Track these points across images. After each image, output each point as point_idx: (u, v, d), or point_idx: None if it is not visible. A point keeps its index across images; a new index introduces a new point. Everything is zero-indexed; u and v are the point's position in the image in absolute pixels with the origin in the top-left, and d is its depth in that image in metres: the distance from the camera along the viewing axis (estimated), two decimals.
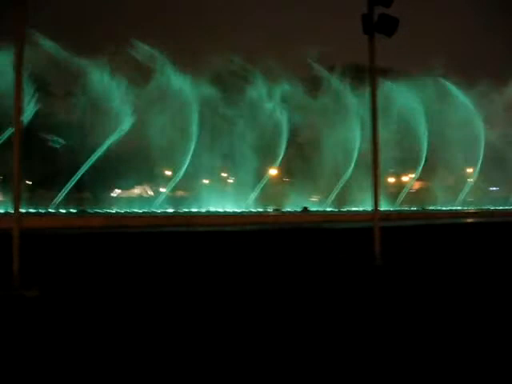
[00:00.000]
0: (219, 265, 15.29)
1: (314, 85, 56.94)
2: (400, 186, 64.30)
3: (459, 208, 61.64)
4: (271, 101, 55.80)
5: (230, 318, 8.85)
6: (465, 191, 64.75)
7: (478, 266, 15.06)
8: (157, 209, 50.36)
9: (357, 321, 8.66)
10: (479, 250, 19.63)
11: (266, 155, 55.15)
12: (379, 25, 14.64)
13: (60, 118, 48.96)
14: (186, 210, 50.77)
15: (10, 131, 36.14)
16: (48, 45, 45.05)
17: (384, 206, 43.64)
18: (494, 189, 67.29)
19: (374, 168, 15.72)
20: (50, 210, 46.13)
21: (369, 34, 14.99)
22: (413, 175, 65.07)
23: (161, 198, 52.44)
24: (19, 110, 11.81)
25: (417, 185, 67.62)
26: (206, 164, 52.20)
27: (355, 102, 55.65)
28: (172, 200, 53.63)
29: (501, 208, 61.65)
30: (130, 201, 53.69)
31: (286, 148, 55.76)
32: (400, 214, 49.77)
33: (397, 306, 9.90)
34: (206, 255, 17.97)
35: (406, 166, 62.44)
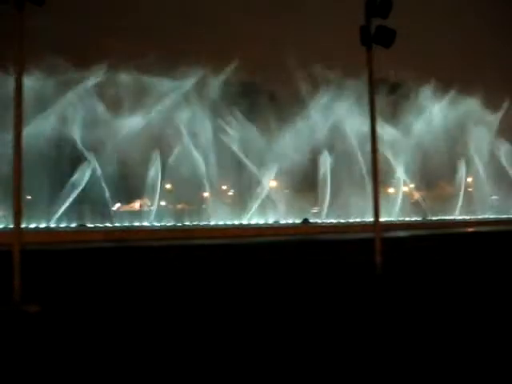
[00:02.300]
0: (221, 277, 15.26)
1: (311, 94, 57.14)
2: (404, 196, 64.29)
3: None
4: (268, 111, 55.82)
5: (234, 330, 8.83)
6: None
7: (478, 274, 15.05)
8: (157, 222, 50.36)
9: (355, 328, 8.64)
10: (480, 260, 19.60)
11: (265, 167, 55.18)
12: (377, 36, 14.71)
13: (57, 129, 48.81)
14: (187, 223, 50.76)
15: None
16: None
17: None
18: (494, 197, 67.29)
19: (374, 178, 15.72)
20: (50, 225, 46.13)
21: (367, 45, 15.04)
22: (412, 185, 65.15)
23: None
24: (20, 123, 11.78)
25: (416, 195, 67.62)
26: (206, 176, 52.29)
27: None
28: (172, 213, 53.66)
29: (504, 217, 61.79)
30: (131, 214, 53.68)
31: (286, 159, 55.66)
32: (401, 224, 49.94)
33: (394, 314, 9.90)
34: (207, 268, 17.94)
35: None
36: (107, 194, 49.19)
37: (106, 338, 8.44)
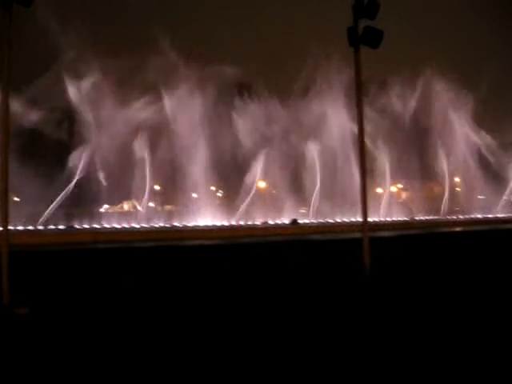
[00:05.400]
0: (211, 280, 15.25)
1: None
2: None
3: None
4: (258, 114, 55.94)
5: (229, 334, 8.85)
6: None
7: (466, 273, 15.16)
8: (145, 223, 50.19)
9: (342, 328, 8.69)
10: (467, 258, 19.72)
11: (253, 168, 55.24)
12: (364, 37, 14.78)
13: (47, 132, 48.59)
14: (175, 224, 50.60)
15: None
16: None
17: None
18: (481, 197, 67.71)
19: (361, 179, 15.80)
20: (38, 227, 45.85)
21: (354, 46, 15.11)
22: (400, 185, 65.49)
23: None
24: (7, 125, 11.71)
25: (403, 195, 67.96)
26: (195, 178, 52.14)
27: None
28: (161, 214, 53.52)
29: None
30: (119, 216, 53.46)
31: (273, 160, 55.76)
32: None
33: (381, 314, 9.96)
34: (198, 270, 17.92)
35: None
36: (95, 196, 49.04)
37: (95, 340, 8.42)
